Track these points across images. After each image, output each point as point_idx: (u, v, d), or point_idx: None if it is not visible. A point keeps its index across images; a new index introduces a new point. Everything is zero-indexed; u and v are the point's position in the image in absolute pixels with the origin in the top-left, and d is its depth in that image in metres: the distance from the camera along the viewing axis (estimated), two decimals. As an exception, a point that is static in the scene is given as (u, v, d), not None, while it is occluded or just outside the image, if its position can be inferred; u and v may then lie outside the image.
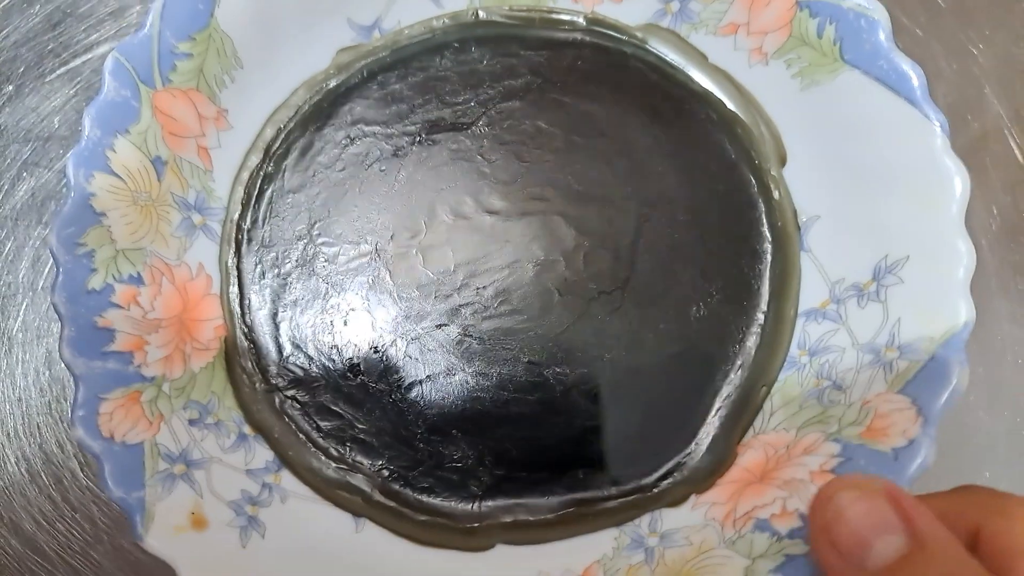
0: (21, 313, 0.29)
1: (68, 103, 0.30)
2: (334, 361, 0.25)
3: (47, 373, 0.28)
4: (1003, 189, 0.30)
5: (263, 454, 0.24)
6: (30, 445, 0.28)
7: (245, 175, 0.27)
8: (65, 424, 0.28)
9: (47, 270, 0.29)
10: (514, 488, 0.24)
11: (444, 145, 0.27)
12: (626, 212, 0.26)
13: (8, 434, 0.28)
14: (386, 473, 0.24)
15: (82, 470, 0.27)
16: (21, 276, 0.29)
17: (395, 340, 0.25)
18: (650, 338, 0.25)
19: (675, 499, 0.24)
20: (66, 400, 0.27)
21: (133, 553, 0.27)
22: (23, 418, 0.28)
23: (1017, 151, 0.30)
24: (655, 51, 0.28)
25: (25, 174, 0.28)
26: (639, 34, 0.28)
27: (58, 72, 0.30)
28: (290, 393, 0.25)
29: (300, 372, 0.25)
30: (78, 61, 0.30)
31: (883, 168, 0.25)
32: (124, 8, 0.31)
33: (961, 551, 0.17)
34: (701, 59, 0.27)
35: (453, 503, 0.24)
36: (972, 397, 0.29)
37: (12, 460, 0.28)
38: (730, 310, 0.26)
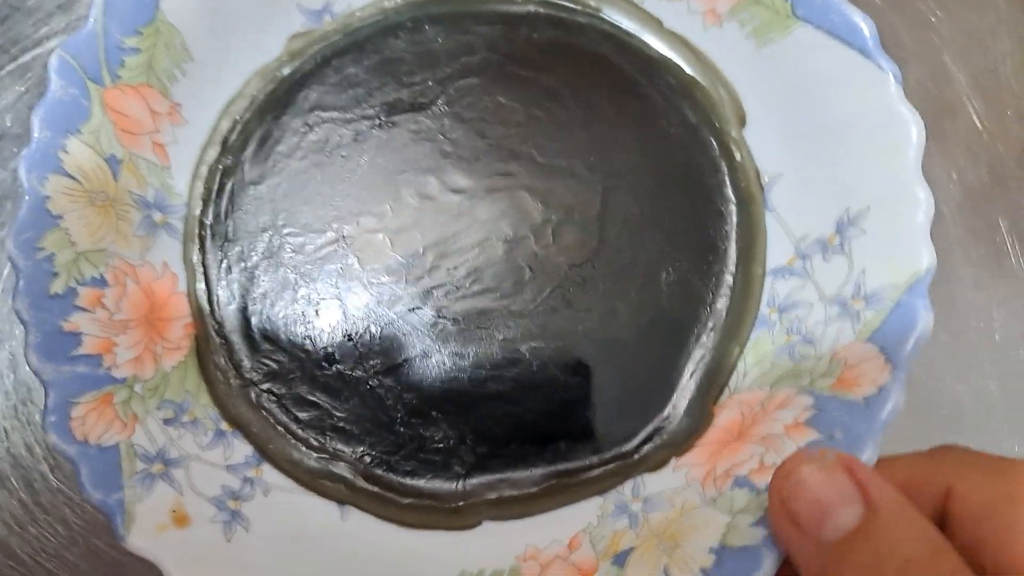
0: None
1: (19, 100, 0.29)
2: (308, 351, 0.25)
3: (11, 376, 0.28)
4: (964, 156, 0.31)
5: (242, 449, 0.24)
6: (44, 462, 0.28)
7: (204, 170, 0.26)
8: (32, 427, 0.28)
9: (6, 273, 0.28)
10: (497, 464, 0.24)
11: (404, 127, 0.27)
12: (591, 183, 0.26)
13: None
14: (368, 459, 0.24)
15: (52, 472, 0.27)
16: None
17: (368, 326, 0.25)
18: (622, 307, 0.25)
19: (656, 463, 0.24)
20: (32, 403, 0.27)
21: (109, 554, 0.27)
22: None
23: (976, 119, 0.30)
24: (610, 19, 0.28)
25: None
26: (592, 2, 0.28)
27: (7, 68, 0.29)
28: (266, 387, 0.25)
29: (275, 365, 0.25)
30: (28, 57, 0.30)
31: (840, 122, 0.25)
32: (73, 1, 0.30)
33: (916, 517, 0.17)
34: (656, 25, 0.27)
35: (437, 484, 0.24)
36: (938, 364, 0.30)
37: None
38: (699, 274, 0.26)
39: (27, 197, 0.23)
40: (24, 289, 0.22)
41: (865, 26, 0.24)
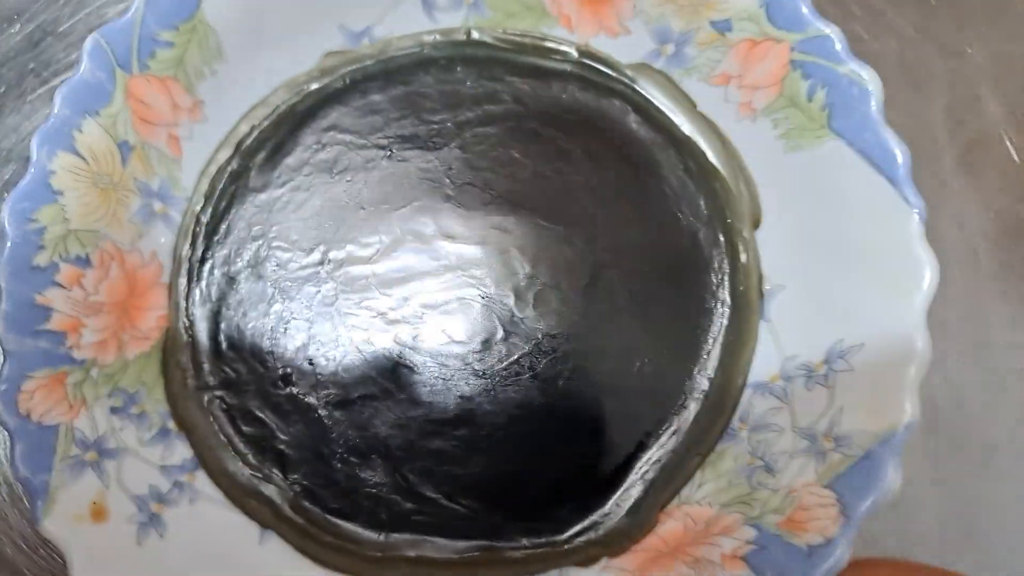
0: None
1: None
2: (267, 367, 0.25)
3: None
4: (1000, 190, 0.29)
5: (182, 452, 0.24)
6: (9, 469, 0.27)
7: (213, 169, 0.27)
8: None
9: None
10: (423, 524, 0.24)
11: (414, 163, 0.27)
12: (585, 255, 0.26)
13: None
14: (299, 488, 0.24)
15: None
16: None
17: (331, 354, 0.25)
18: (587, 388, 0.25)
19: (585, 559, 0.23)
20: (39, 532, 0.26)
21: None
22: (2, 443, 0.27)
23: (1013, 152, 0.29)
24: (643, 91, 0.27)
25: (7, 195, 0.28)
26: (629, 72, 0.27)
27: (39, 92, 0.30)
28: (219, 393, 0.25)
29: (232, 374, 0.25)
30: (58, 80, 0.30)
31: (855, 247, 0.23)
32: (103, 25, 0.31)
33: None
34: (690, 106, 0.27)
35: (361, 529, 0.24)
36: (970, 404, 0.28)
37: None
38: (676, 371, 0.25)
39: (33, 169, 0.23)
40: (8, 257, 0.23)
41: (899, 154, 0.23)
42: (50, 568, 0.27)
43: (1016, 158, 0.29)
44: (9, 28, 0.30)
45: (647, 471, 0.24)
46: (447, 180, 0.27)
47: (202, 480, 0.24)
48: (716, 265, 0.26)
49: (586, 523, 0.24)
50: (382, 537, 0.24)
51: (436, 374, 0.25)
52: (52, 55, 0.30)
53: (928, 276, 0.22)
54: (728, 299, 0.25)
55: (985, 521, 0.26)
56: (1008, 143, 0.29)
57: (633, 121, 0.27)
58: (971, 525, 0.27)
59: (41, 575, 0.27)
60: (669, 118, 0.27)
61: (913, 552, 0.26)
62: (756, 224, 0.26)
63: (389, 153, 0.27)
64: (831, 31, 0.24)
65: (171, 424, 0.24)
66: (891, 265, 0.22)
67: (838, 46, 0.24)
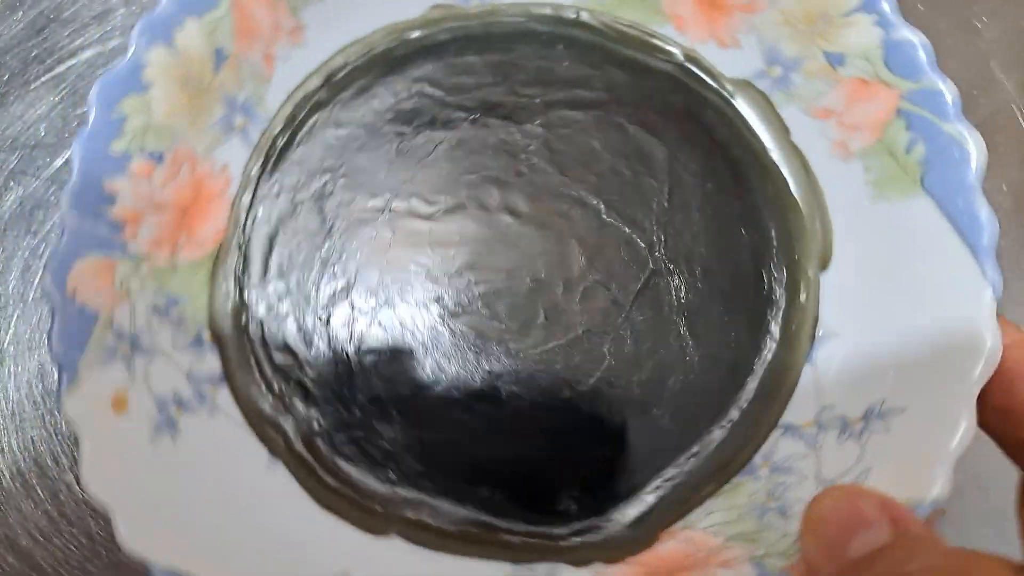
0: (12, 325, 0.28)
1: (54, 110, 0.30)
2: (308, 300, 0.25)
3: (40, 386, 0.28)
4: (1015, 165, 0.29)
5: (211, 364, 0.24)
6: (25, 460, 0.28)
7: (300, 95, 0.27)
8: (60, 438, 0.28)
9: (37, 280, 0.29)
10: (427, 487, 0.24)
11: (494, 132, 0.26)
12: (643, 259, 0.25)
13: (2, 449, 0.28)
14: (316, 426, 0.24)
15: (78, 483, 0.27)
16: (11, 287, 0.29)
17: (371, 302, 0.25)
18: (616, 393, 0.24)
19: (578, 560, 0.23)
20: (59, 412, 0.26)
21: (132, 567, 0.26)
22: (17, 432, 0.28)
23: None
24: (739, 109, 0.26)
25: (13, 183, 0.28)
26: (729, 87, 0.26)
27: (43, 79, 0.30)
28: (259, 316, 0.25)
29: (274, 299, 0.25)
30: (63, 67, 0.30)
31: (919, 310, 0.23)
32: (108, 11, 0.31)
33: (942, 546, 0.18)
34: (783, 134, 0.26)
35: (366, 479, 0.24)
36: None
37: (7, 475, 0.28)
38: (709, 396, 0.24)
39: (128, 56, 0.24)
40: (88, 136, 0.23)
41: (988, 227, 0.22)
42: (65, 558, 0.27)
43: None
44: (12, 15, 0.30)
45: (660, 488, 0.24)
46: (523, 156, 0.26)
47: (224, 396, 0.24)
48: (774, 298, 0.25)
49: (587, 525, 0.23)
50: (385, 491, 0.24)
51: (470, 344, 0.25)
52: (56, 41, 0.30)
53: (986, 359, 0.21)
54: (778, 336, 0.25)
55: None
56: (1021, 118, 0.29)
57: (721, 135, 0.26)
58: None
59: (56, 565, 0.27)
60: (760, 141, 0.26)
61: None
62: (824, 266, 0.25)
63: (473, 117, 0.27)
64: (946, 87, 0.23)
65: (206, 335, 0.24)
66: (953, 336, 0.22)
67: (949, 103, 0.23)
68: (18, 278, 0.29)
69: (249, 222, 0.26)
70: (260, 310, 0.25)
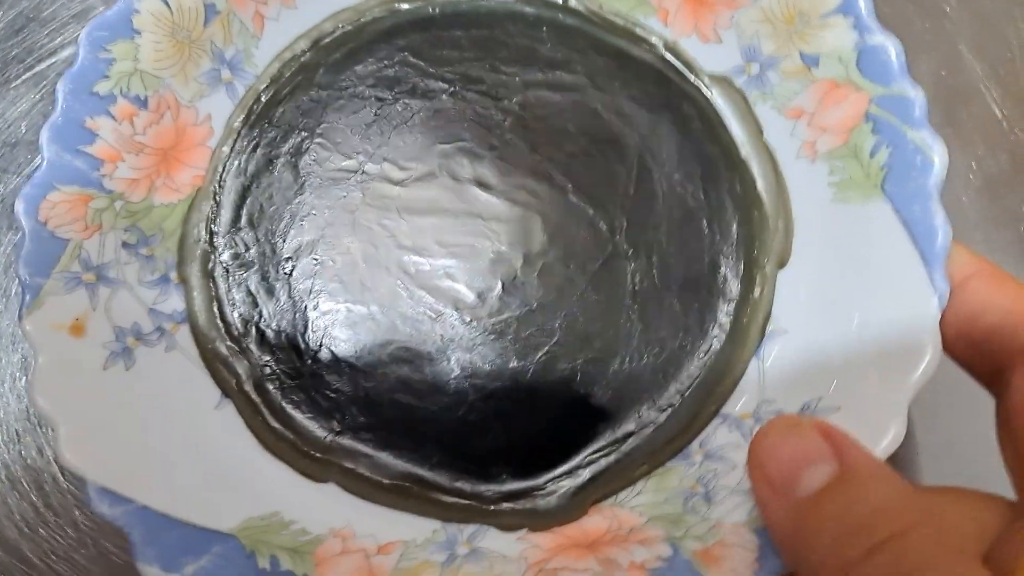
0: None
1: (34, 108, 0.30)
2: (275, 251, 0.26)
3: (23, 379, 0.28)
4: (983, 144, 0.30)
5: (174, 303, 0.25)
6: (9, 452, 0.28)
7: (288, 55, 0.27)
8: (44, 430, 0.28)
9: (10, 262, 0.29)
10: (367, 439, 0.24)
11: (472, 105, 0.27)
12: (604, 241, 0.26)
13: None
14: (268, 371, 0.25)
15: (63, 475, 0.28)
16: None
17: (336, 258, 0.26)
18: (562, 368, 0.25)
19: (507, 525, 0.23)
20: (34, 406, 0.26)
21: (118, 556, 0.27)
22: (1, 425, 0.28)
23: (995, 107, 0.30)
24: (715, 104, 0.26)
25: None
26: (707, 81, 0.27)
27: (23, 77, 0.30)
28: (224, 260, 0.26)
29: (242, 248, 0.26)
30: (43, 65, 0.30)
31: (867, 313, 0.23)
32: (87, 10, 0.31)
33: (889, 473, 0.18)
34: (756, 131, 0.26)
35: (310, 425, 0.25)
36: None
37: None
38: (653, 379, 0.25)
39: (122, 2, 0.25)
40: (74, 74, 0.24)
41: (941, 235, 0.22)
42: (52, 549, 0.27)
43: (998, 114, 0.30)
44: None
45: (594, 463, 0.24)
46: (498, 131, 0.27)
47: (183, 334, 0.25)
48: (728, 291, 0.25)
49: (519, 491, 0.24)
50: (327, 438, 0.24)
51: (426, 308, 0.25)
52: (35, 41, 0.31)
53: (924, 366, 0.21)
54: (728, 328, 0.25)
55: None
56: (989, 99, 0.30)
57: (696, 129, 0.27)
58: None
59: (43, 556, 0.27)
60: (731, 137, 0.26)
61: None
62: (782, 263, 0.25)
63: (452, 89, 0.27)
64: (915, 94, 0.23)
65: (173, 275, 0.25)
66: (894, 341, 0.22)
67: (917, 111, 0.23)
68: (1, 274, 0.29)
69: (226, 172, 0.26)
70: (227, 256, 0.26)
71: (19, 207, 0.23)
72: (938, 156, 0.22)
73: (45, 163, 0.23)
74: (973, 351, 0.21)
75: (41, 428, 0.28)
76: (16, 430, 0.28)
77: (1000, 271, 0.22)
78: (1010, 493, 0.19)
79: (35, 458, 0.28)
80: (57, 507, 0.27)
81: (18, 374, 0.28)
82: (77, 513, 0.27)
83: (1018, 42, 0.31)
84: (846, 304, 0.23)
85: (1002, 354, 0.20)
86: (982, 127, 0.30)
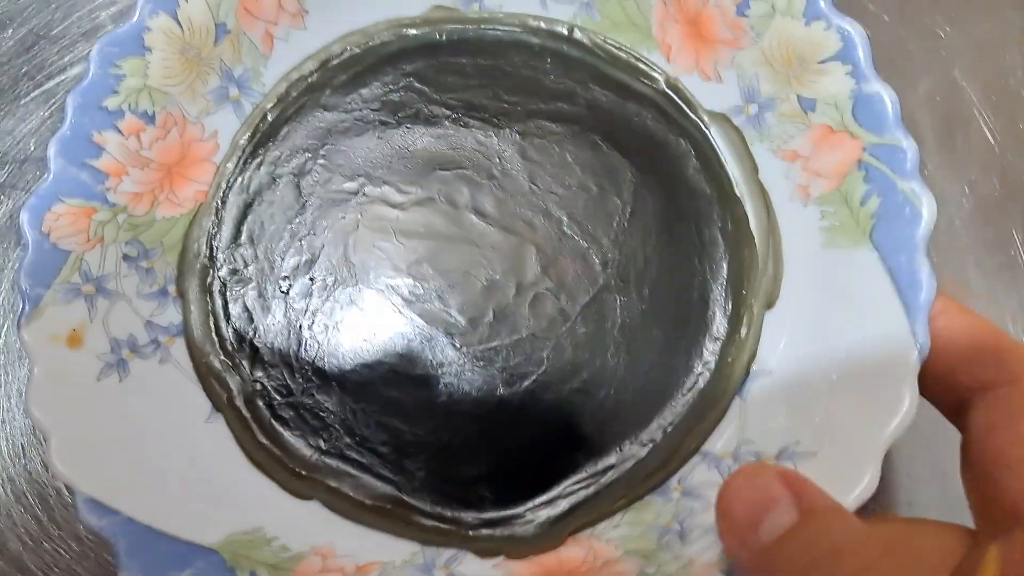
0: (2, 335, 0.29)
1: (44, 124, 0.30)
2: (273, 269, 0.26)
3: None
4: (976, 168, 0.31)
5: (171, 316, 0.26)
6: (14, 466, 0.28)
7: (295, 75, 0.28)
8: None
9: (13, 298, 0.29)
10: (352, 460, 0.25)
11: (472, 133, 0.27)
12: (596, 274, 0.26)
13: None
14: (259, 387, 0.25)
15: (67, 489, 0.27)
16: (1, 298, 0.29)
17: (331, 279, 0.26)
18: (547, 398, 0.25)
19: (485, 550, 0.24)
20: (28, 415, 0.26)
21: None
22: (7, 439, 0.28)
23: (987, 131, 0.30)
24: (712, 141, 0.27)
25: (2, 197, 0.28)
26: (706, 118, 0.27)
27: (33, 95, 0.31)
28: (223, 276, 0.26)
29: (240, 264, 0.26)
30: (52, 83, 0.31)
31: (848, 359, 0.23)
32: (96, 28, 0.32)
33: (848, 515, 0.18)
34: (751, 170, 0.26)
35: (297, 443, 0.25)
36: None
37: None
38: (636, 413, 0.25)
39: (133, 19, 0.25)
40: (83, 89, 0.25)
41: (926, 288, 0.22)
42: (54, 562, 0.27)
43: (991, 138, 0.30)
44: (1, 32, 0.30)
45: (573, 494, 0.24)
46: (497, 159, 0.27)
47: (178, 348, 0.25)
48: (715, 329, 0.26)
49: (496, 518, 0.24)
50: (313, 457, 0.25)
51: (418, 332, 0.26)
52: (46, 58, 0.31)
53: (900, 418, 0.21)
54: (713, 366, 0.25)
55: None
56: (983, 124, 0.30)
57: (692, 166, 0.27)
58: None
59: (46, 569, 0.27)
60: (728, 174, 0.27)
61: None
62: (770, 305, 0.25)
63: (455, 116, 0.28)
64: (907, 145, 0.23)
65: (172, 288, 0.26)
66: (874, 390, 0.22)
67: (908, 163, 0.23)
68: (8, 290, 0.30)
69: (229, 188, 0.27)
70: (226, 272, 0.26)
71: (24, 218, 0.23)
72: (927, 208, 0.23)
73: (51, 175, 0.24)
74: (938, 387, 0.21)
75: (46, 443, 0.28)
76: (22, 445, 0.28)
77: (962, 306, 0.22)
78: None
79: (40, 472, 0.28)
80: (61, 521, 0.28)
81: (24, 389, 0.28)
82: (80, 527, 0.27)
83: (1010, 67, 0.31)
84: (829, 349, 0.24)
85: (963, 389, 0.20)
86: (975, 151, 0.31)
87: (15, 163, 0.30)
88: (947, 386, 0.21)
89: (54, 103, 0.31)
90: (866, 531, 0.17)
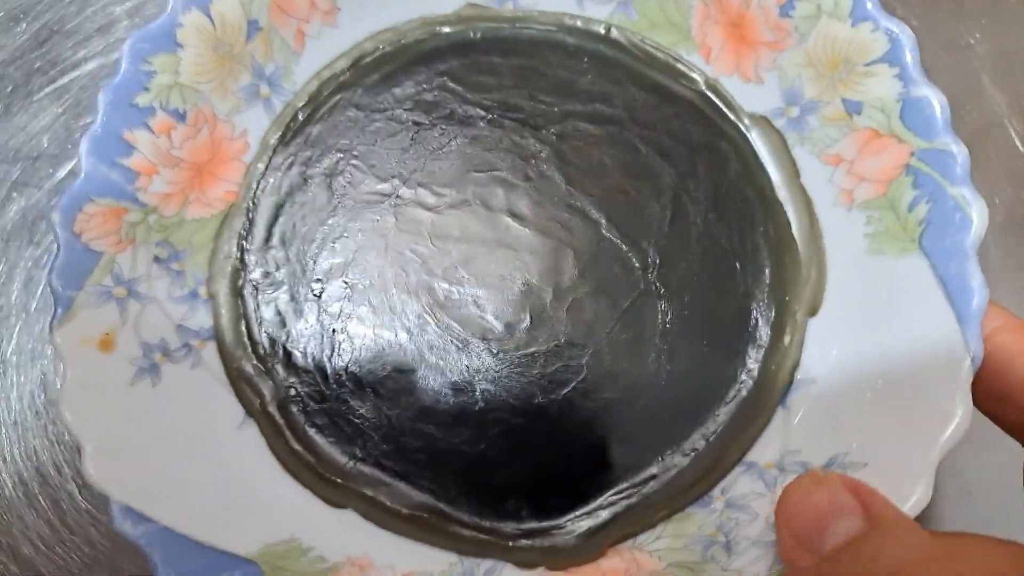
0: (15, 336, 0.29)
1: (57, 121, 0.30)
2: (305, 272, 0.26)
3: (43, 396, 0.28)
4: (1006, 180, 0.30)
5: (202, 319, 0.25)
6: (27, 469, 0.28)
7: (327, 74, 0.27)
8: (62, 447, 0.27)
9: (40, 291, 0.29)
10: (389, 468, 0.24)
11: (508, 134, 0.27)
12: (635, 279, 0.26)
13: (4, 458, 0.28)
14: (292, 392, 0.25)
15: (80, 492, 0.27)
16: (14, 298, 0.29)
17: (365, 282, 0.26)
18: (587, 406, 0.25)
19: (523, 562, 0.23)
20: (62, 422, 0.25)
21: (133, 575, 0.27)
22: (20, 441, 0.28)
23: (1018, 141, 0.30)
24: (753, 143, 0.26)
25: (15, 194, 0.28)
26: (747, 121, 0.26)
27: (46, 91, 0.30)
28: (254, 280, 0.26)
29: (272, 267, 0.26)
30: (66, 79, 0.30)
31: (898, 368, 0.23)
32: (111, 24, 0.31)
33: (915, 527, 0.18)
34: (793, 174, 0.26)
35: (331, 451, 0.25)
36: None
37: (9, 484, 0.28)
38: (677, 422, 0.25)
39: (166, 13, 0.25)
40: (115, 86, 0.24)
41: (978, 296, 0.22)
42: (67, 567, 0.27)
43: (1021, 147, 0.29)
44: (15, 27, 0.30)
45: (615, 504, 0.24)
46: (533, 161, 0.27)
47: (210, 351, 0.25)
48: (758, 337, 0.25)
49: (538, 529, 0.24)
50: (348, 465, 0.24)
51: (454, 337, 0.25)
52: (59, 53, 0.30)
53: (953, 428, 0.21)
54: (756, 374, 0.25)
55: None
56: (1013, 134, 0.29)
57: (732, 170, 0.26)
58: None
59: (58, 573, 0.27)
60: (768, 178, 0.26)
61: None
62: (813, 312, 0.25)
63: (490, 116, 0.27)
64: (958, 150, 0.23)
65: (202, 291, 0.25)
66: (925, 401, 0.22)
67: (959, 167, 0.23)
68: (21, 289, 0.29)
69: (260, 189, 0.26)
70: (257, 274, 0.26)
71: (55, 218, 0.23)
72: (977, 214, 0.22)
73: (83, 174, 0.23)
74: (1000, 403, 0.21)
75: (59, 445, 0.28)
76: (34, 446, 0.28)
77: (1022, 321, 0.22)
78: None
79: (53, 475, 0.28)
80: (73, 525, 0.27)
81: (37, 390, 0.28)
82: (93, 531, 0.27)
83: (1042, 76, 0.31)
84: (876, 358, 0.23)
85: None
86: (1003, 161, 0.30)
87: (28, 160, 0.29)
88: (1010, 404, 0.20)
89: (67, 99, 0.30)
90: (934, 544, 0.17)
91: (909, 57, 0.23)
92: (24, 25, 0.31)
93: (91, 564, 0.27)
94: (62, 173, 0.23)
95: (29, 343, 0.28)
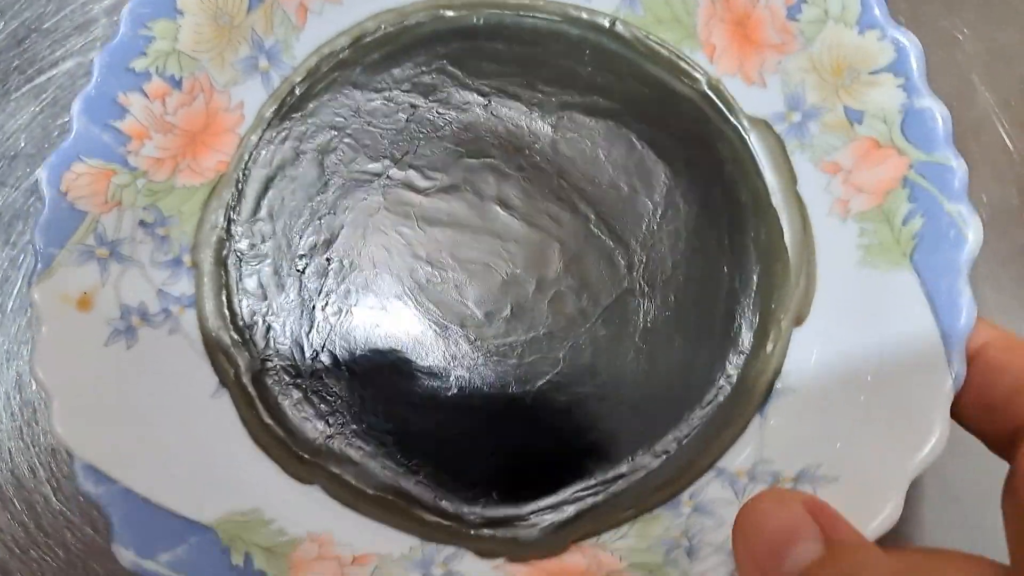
0: None
1: (34, 120, 0.29)
2: (289, 247, 0.26)
3: (18, 397, 0.28)
4: (993, 178, 0.29)
5: (184, 286, 0.25)
6: (2, 471, 0.27)
7: (327, 50, 0.27)
8: (37, 448, 0.27)
9: (15, 291, 0.28)
10: (356, 447, 0.24)
11: (504, 122, 0.27)
12: (620, 276, 0.25)
13: None
14: (267, 365, 0.25)
15: (55, 495, 0.27)
16: None
17: (348, 260, 0.26)
18: (561, 399, 0.24)
19: (485, 551, 0.23)
20: (37, 424, 0.26)
21: None
22: None
23: (1007, 139, 0.29)
24: (752, 146, 0.26)
25: None
26: (746, 123, 0.26)
27: (23, 89, 0.30)
28: (238, 250, 0.26)
29: (258, 239, 0.26)
30: (43, 77, 0.30)
31: (879, 384, 0.22)
32: (89, 22, 0.31)
33: (876, 550, 0.17)
34: (790, 181, 0.25)
35: (302, 426, 0.24)
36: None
37: None
38: (649, 424, 0.24)
39: (167, -19, 0.25)
40: (112, 48, 0.24)
41: (966, 316, 0.21)
42: (41, 570, 0.26)
43: (1010, 146, 0.29)
44: None
45: (580, 500, 0.24)
46: (527, 151, 0.26)
47: (188, 319, 0.25)
48: (739, 342, 0.25)
49: (499, 518, 0.24)
50: (318, 441, 0.24)
51: (433, 322, 0.25)
52: (37, 52, 0.30)
53: (929, 448, 0.20)
54: (735, 381, 0.24)
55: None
56: (1001, 131, 0.29)
57: (728, 172, 0.26)
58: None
59: None
60: (764, 183, 0.26)
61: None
62: (799, 321, 0.25)
63: (487, 102, 0.27)
64: (957, 164, 0.22)
65: (186, 258, 0.25)
66: (903, 418, 0.21)
67: (957, 183, 0.22)
68: None
69: (252, 161, 0.26)
70: (243, 246, 0.26)
71: (42, 175, 0.23)
72: (972, 232, 0.22)
73: (73, 134, 0.23)
74: (985, 419, 0.21)
75: (34, 448, 0.27)
76: (9, 449, 0.27)
77: (1014, 339, 0.21)
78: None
79: (28, 477, 0.27)
80: (48, 528, 0.27)
81: (12, 392, 0.28)
82: (68, 534, 0.27)
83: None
84: (858, 372, 0.23)
85: (1014, 422, 0.19)
86: (992, 158, 0.29)
87: (5, 159, 0.29)
88: (995, 419, 0.20)
89: (45, 98, 0.30)
90: (891, 567, 0.17)
91: (915, 67, 0.23)
92: (2, 24, 0.31)
93: (66, 568, 0.27)
94: (39, 173, 0.23)
95: (4, 344, 0.28)
